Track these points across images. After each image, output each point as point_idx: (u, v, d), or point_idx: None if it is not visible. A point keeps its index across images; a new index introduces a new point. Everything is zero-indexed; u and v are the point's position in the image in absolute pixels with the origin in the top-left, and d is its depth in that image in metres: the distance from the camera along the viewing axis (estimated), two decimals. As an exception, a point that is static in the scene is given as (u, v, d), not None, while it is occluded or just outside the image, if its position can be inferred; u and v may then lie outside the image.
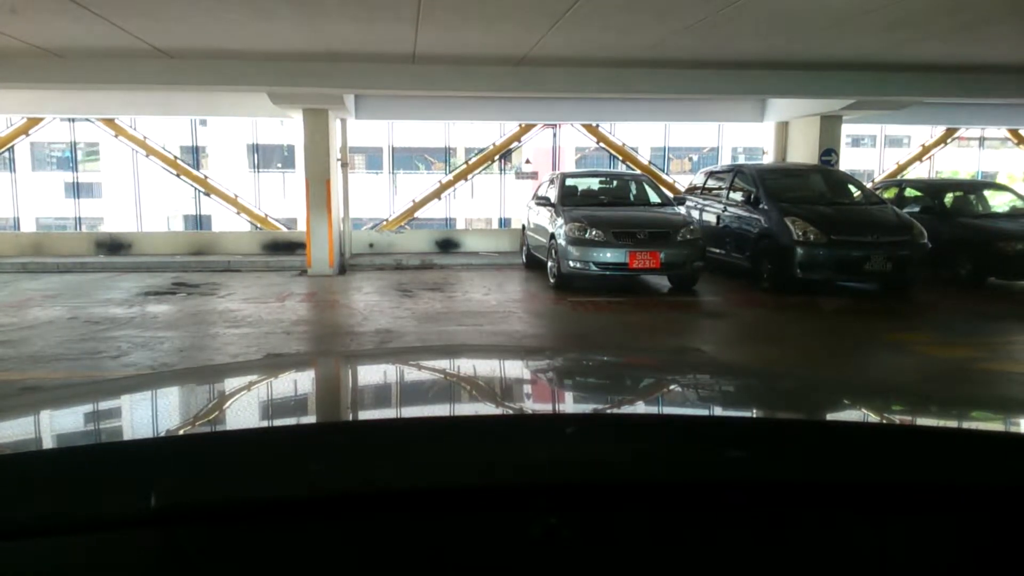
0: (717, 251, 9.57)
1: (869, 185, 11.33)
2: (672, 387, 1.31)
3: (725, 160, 15.48)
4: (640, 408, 1.18)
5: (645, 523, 0.68)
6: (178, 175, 12.86)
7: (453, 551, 0.65)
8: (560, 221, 8.72)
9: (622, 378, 1.42)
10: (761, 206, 8.94)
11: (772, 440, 0.82)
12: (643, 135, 15.71)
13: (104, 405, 1.11)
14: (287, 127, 16.27)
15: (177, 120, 14.03)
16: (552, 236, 8.90)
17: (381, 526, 0.66)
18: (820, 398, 1.23)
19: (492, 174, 14.66)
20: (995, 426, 1.12)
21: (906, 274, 8.35)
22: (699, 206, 10.43)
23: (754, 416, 1.10)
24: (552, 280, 8.91)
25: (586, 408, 1.18)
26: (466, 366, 1.46)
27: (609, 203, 9.72)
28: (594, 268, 8.30)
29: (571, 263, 8.37)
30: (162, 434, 0.92)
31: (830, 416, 1.16)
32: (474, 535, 0.66)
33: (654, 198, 9.83)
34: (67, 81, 9.15)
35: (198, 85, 9.40)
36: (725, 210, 9.81)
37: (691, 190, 11.22)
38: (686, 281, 8.76)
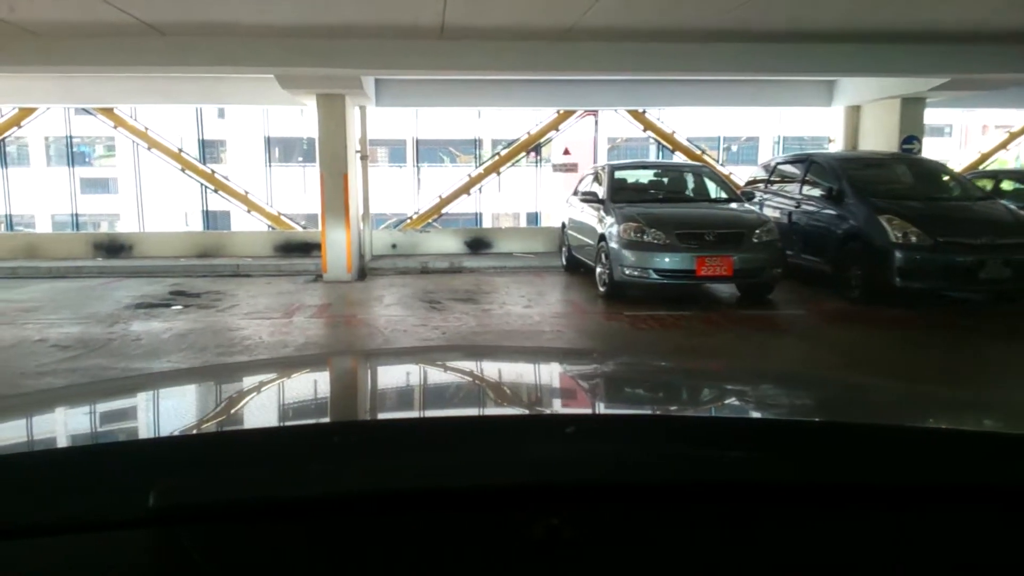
0: (787, 252, 8.29)
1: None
2: (674, 387, 1.28)
3: (765, 151, 14.16)
4: (643, 409, 1.13)
5: (647, 524, 0.66)
6: (183, 169, 11.79)
7: (455, 551, 0.63)
8: (611, 220, 7.50)
9: (625, 379, 1.37)
10: (846, 202, 7.64)
11: (773, 440, 0.80)
12: (680, 124, 14.37)
13: (105, 405, 1.10)
14: (307, 118, 15.26)
15: (182, 110, 13.02)
16: (601, 237, 7.67)
17: (382, 526, 0.64)
18: (821, 398, 1.20)
19: (520, 167, 13.55)
20: (996, 426, 1.06)
21: (1028, 283, 6.97)
22: (762, 202, 9.16)
23: (755, 417, 1.07)
24: (602, 289, 7.67)
25: (589, 408, 1.17)
26: (472, 366, 1.44)
27: (665, 199, 8.50)
28: (654, 276, 7.06)
29: (626, 270, 7.15)
30: (163, 434, 0.93)
31: (831, 416, 1.07)
32: (476, 535, 0.64)
33: (716, 192, 8.57)
34: (45, 64, 7.94)
35: (194, 66, 8.20)
36: (798, 206, 8.52)
37: (751, 183, 9.99)
38: (760, 290, 7.49)
